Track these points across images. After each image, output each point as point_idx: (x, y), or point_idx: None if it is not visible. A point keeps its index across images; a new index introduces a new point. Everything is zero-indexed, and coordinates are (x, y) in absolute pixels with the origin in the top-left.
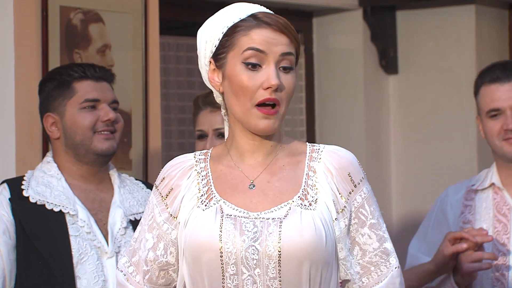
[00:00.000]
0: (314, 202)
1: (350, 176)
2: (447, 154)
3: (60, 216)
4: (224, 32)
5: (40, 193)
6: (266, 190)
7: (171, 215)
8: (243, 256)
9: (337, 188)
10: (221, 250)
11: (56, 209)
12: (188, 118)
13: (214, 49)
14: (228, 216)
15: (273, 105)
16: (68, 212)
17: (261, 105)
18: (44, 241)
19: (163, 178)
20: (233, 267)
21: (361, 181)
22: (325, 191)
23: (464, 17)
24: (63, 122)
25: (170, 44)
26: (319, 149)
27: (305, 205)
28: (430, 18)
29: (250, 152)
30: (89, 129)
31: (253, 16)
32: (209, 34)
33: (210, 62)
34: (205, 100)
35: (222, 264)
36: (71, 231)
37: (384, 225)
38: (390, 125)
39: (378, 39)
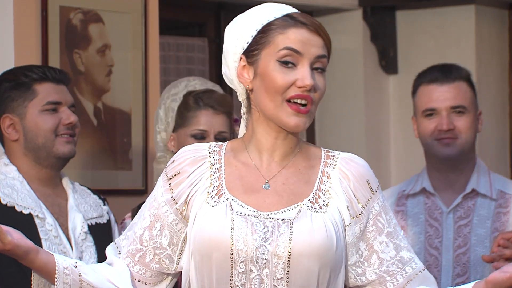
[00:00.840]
0: (325, 206)
1: (368, 183)
2: None
3: (29, 219)
4: (258, 30)
5: (8, 195)
6: (280, 191)
7: (173, 198)
8: (254, 255)
9: (353, 194)
10: (232, 247)
11: (25, 212)
12: None
13: (246, 45)
14: (238, 214)
15: (305, 105)
16: (37, 215)
17: (291, 101)
18: None
19: (173, 161)
20: (242, 265)
21: (377, 189)
22: (338, 196)
23: (464, 17)
24: (24, 124)
25: (170, 44)
26: (334, 155)
27: (315, 208)
28: (430, 18)
29: (270, 150)
30: (51, 132)
31: (289, 15)
32: (241, 31)
33: (241, 58)
34: (208, 100)
35: (231, 261)
36: (41, 234)
37: (402, 233)
38: (390, 125)
39: (378, 39)
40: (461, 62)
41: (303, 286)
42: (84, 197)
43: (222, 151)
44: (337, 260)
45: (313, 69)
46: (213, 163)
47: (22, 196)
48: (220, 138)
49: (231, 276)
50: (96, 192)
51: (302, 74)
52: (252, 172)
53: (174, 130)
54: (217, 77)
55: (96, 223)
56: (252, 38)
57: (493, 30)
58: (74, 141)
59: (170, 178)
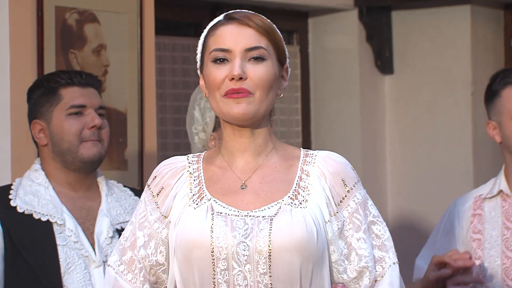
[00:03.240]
0: (305, 201)
1: (343, 182)
2: (442, 154)
3: (47, 226)
4: (203, 40)
5: (27, 203)
6: (257, 190)
7: (162, 214)
8: (234, 251)
9: (330, 192)
10: (212, 245)
11: (43, 219)
12: (184, 118)
13: (199, 61)
14: (219, 214)
15: (242, 93)
16: (56, 222)
17: (229, 94)
18: (31, 251)
19: (155, 176)
20: (224, 262)
21: (354, 186)
22: (317, 193)
23: (459, 17)
24: (50, 128)
25: (166, 44)
26: (313, 154)
27: (295, 204)
28: (425, 18)
29: (240, 151)
30: (76, 136)
31: (225, 15)
32: (198, 45)
33: (199, 71)
34: None
35: (213, 259)
36: (58, 241)
37: (378, 228)
38: (385, 125)
39: (374, 39)
40: (457, 62)
41: (286, 279)
42: (120, 200)
43: (200, 160)
44: (319, 254)
45: (250, 59)
46: (192, 172)
47: (44, 202)
48: None
49: (214, 274)
50: (140, 192)
51: (231, 67)
52: (228, 174)
53: (214, 129)
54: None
55: (125, 226)
56: (200, 52)
57: (488, 30)
58: (102, 146)
59: (155, 196)
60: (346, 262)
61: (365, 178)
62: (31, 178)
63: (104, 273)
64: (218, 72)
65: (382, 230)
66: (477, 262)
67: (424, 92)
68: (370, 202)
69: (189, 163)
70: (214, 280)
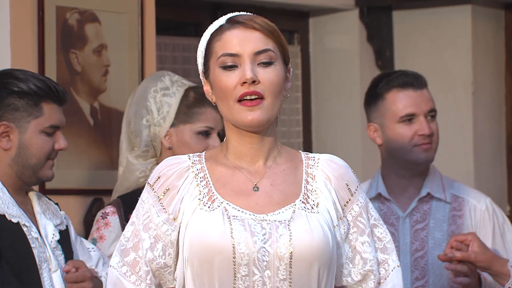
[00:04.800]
0: (316, 206)
1: (347, 185)
2: (442, 153)
3: (19, 228)
4: (205, 46)
5: None
6: (270, 193)
7: (171, 216)
8: (256, 257)
9: (336, 195)
10: (234, 251)
11: (14, 220)
12: None
13: (201, 66)
14: (235, 217)
15: (256, 99)
16: (24, 224)
17: (242, 100)
18: (13, 253)
19: (158, 177)
20: (245, 268)
21: (356, 189)
22: (325, 196)
23: (460, 17)
24: (21, 138)
25: (166, 44)
26: (314, 157)
27: (308, 209)
28: (426, 18)
29: (249, 156)
30: (45, 155)
31: (229, 19)
32: (198, 53)
33: (203, 76)
34: None
35: (234, 265)
36: (30, 242)
37: (380, 231)
38: None
39: (374, 39)
40: (457, 62)
41: (304, 285)
42: (46, 204)
43: (202, 160)
44: (333, 258)
45: (259, 63)
46: (197, 173)
47: (7, 204)
48: (223, 134)
49: (235, 280)
50: (48, 197)
51: (243, 71)
52: (238, 176)
53: (173, 126)
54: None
55: (60, 230)
56: (202, 57)
57: (489, 30)
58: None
59: (161, 198)
60: (350, 265)
61: (365, 177)
62: None
63: (62, 278)
64: (229, 79)
65: (383, 233)
66: None
67: None
68: (370, 205)
69: (192, 163)
70: (234, 286)
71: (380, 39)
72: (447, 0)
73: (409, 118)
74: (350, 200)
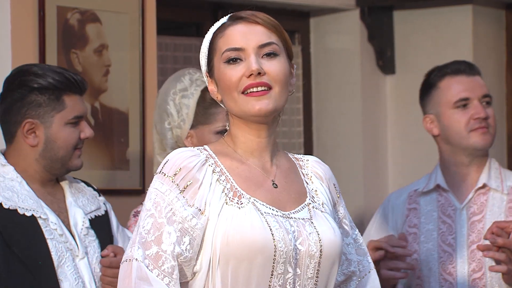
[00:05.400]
0: (321, 205)
1: (335, 187)
2: None
3: (33, 221)
4: (208, 45)
5: (9, 198)
6: (287, 190)
7: (199, 209)
8: (291, 255)
9: (329, 196)
10: (275, 249)
11: (28, 214)
12: None
13: (205, 64)
14: (267, 214)
15: (262, 90)
16: (40, 216)
17: (247, 92)
18: (23, 247)
19: (180, 169)
20: (282, 266)
21: (340, 192)
22: (324, 196)
23: (461, 17)
24: (47, 133)
25: (167, 44)
26: (302, 158)
27: (318, 208)
28: (427, 18)
29: (258, 151)
30: (73, 146)
31: (230, 16)
32: (201, 51)
33: (207, 76)
34: None
35: (273, 263)
36: (46, 235)
37: (357, 231)
38: (387, 125)
39: (375, 39)
40: None
41: (326, 283)
42: (80, 191)
43: (212, 154)
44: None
45: (263, 56)
46: (214, 167)
47: (23, 197)
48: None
49: (271, 277)
50: (89, 184)
51: (248, 64)
52: (255, 172)
53: (193, 127)
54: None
55: (95, 216)
56: (206, 57)
57: (490, 30)
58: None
59: (183, 191)
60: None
61: (366, 177)
62: (1, 174)
63: (90, 265)
64: (234, 72)
65: (358, 235)
66: (414, 256)
67: None
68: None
69: (206, 156)
70: (270, 284)
71: (381, 39)
72: (448, 0)
73: (464, 104)
74: (337, 202)
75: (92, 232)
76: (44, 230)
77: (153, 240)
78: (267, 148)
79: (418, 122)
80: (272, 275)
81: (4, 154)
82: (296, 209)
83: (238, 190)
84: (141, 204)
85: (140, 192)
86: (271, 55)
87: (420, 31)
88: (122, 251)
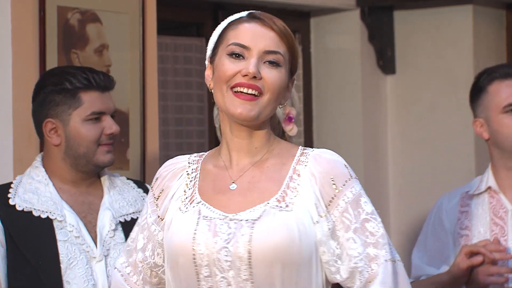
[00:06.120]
0: (292, 204)
1: (332, 181)
2: (444, 154)
3: (47, 222)
4: (219, 33)
5: (27, 200)
6: (245, 191)
7: (158, 216)
8: (215, 258)
9: (320, 192)
10: (194, 252)
11: (43, 216)
12: (186, 118)
13: (210, 50)
14: (205, 218)
15: (251, 94)
16: (56, 218)
17: (238, 91)
18: (31, 248)
19: (156, 178)
20: (206, 269)
21: (344, 185)
22: (307, 193)
23: (461, 17)
24: (66, 131)
25: (168, 44)
26: (307, 153)
27: (281, 207)
28: (427, 18)
29: (235, 151)
30: (94, 142)
31: (250, 13)
32: (212, 36)
33: (209, 60)
34: None
35: (195, 266)
36: (59, 236)
37: (373, 226)
38: (387, 125)
39: (376, 39)
40: (459, 62)
41: (268, 285)
42: (123, 193)
43: (200, 160)
44: (303, 258)
45: (265, 62)
46: (190, 173)
47: (44, 199)
48: None
49: (198, 280)
50: (143, 185)
51: (247, 63)
52: (222, 174)
53: None
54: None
55: (132, 218)
56: (214, 42)
57: (490, 30)
58: (113, 150)
59: (156, 199)
60: (339, 262)
61: (366, 178)
62: (32, 176)
63: (106, 267)
64: (231, 66)
65: (376, 227)
66: None
67: (426, 92)
68: (364, 199)
69: (189, 163)
70: (199, 286)
71: (381, 39)
72: (448, 0)
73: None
74: (335, 195)
75: (121, 235)
76: (57, 232)
77: (134, 248)
78: (246, 149)
79: (418, 122)
80: (198, 278)
81: (43, 156)
82: (248, 210)
83: (195, 194)
84: None
85: None
86: (273, 64)
87: (421, 31)
88: None
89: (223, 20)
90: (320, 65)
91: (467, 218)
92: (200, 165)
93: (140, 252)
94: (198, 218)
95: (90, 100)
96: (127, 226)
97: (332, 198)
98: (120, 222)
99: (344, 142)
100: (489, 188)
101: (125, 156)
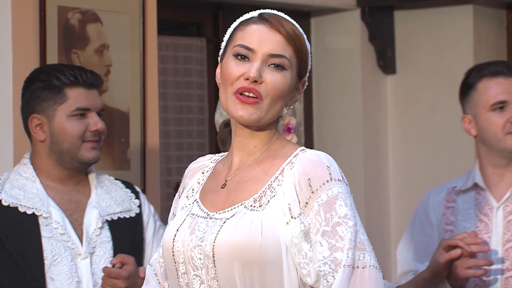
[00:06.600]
0: (266, 203)
1: (309, 182)
2: (445, 154)
3: (32, 219)
4: (230, 34)
5: (13, 196)
6: (231, 190)
7: (173, 213)
8: (189, 256)
9: (297, 193)
10: (173, 249)
11: (29, 212)
12: (186, 118)
13: (224, 45)
14: (192, 215)
15: (253, 97)
16: (41, 215)
17: (240, 94)
18: (15, 244)
19: (183, 176)
20: (182, 266)
21: (321, 186)
22: (284, 194)
23: (462, 17)
24: (51, 126)
25: (168, 44)
26: (298, 157)
27: (254, 207)
28: (428, 18)
29: (236, 150)
30: (78, 138)
31: (260, 14)
32: (226, 34)
33: (220, 58)
34: None
35: (175, 262)
36: (44, 233)
37: (346, 231)
38: (388, 125)
39: (376, 39)
40: (459, 62)
41: (231, 284)
42: (110, 192)
43: (218, 159)
44: (266, 258)
45: (270, 65)
46: (205, 172)
47: (30, 196)
48: None
49: (177, 277)
50: (131, 185)
51: (250, 67)
52: (223, 173)
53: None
54: (215, 77)
55: (119, 217)
56: (225, 41)
57: (491, 30)
58: (99, 147)
59: (180, 196)
60: (310, 265)
61: (367, 178)
62: (19, 172)
63: (91, 265)
64: (236, 69)
65: (345, 231)
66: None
67: (426, 92)
68: (339, 202)
69: (210, 162)
70: (179, 282)
71: (381, 39)
72: (448, 0)
73: (501, 106)
74: (310, 197)
75: (107, 233)
76: (42, 228)
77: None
78: (246, 148)
79: (418, 122)
80: (177, 274)
81: (31, 153)
82: (226, 209)
83: (197, 193)
84: None
85: None
86: (278, 67)
87: (421, 31)
88: (130, 261)
89: (223, 20)
90: (320, 65)
91: (453, 214)
92: (216, 163)
93: (161, 248)
94: (187, 216)
95: (76, 96)
96: (114, 225)
97: (308, 199)
98: (107, 220)
99: (344, 142)
100: (476, 184)
101: (125, 156)
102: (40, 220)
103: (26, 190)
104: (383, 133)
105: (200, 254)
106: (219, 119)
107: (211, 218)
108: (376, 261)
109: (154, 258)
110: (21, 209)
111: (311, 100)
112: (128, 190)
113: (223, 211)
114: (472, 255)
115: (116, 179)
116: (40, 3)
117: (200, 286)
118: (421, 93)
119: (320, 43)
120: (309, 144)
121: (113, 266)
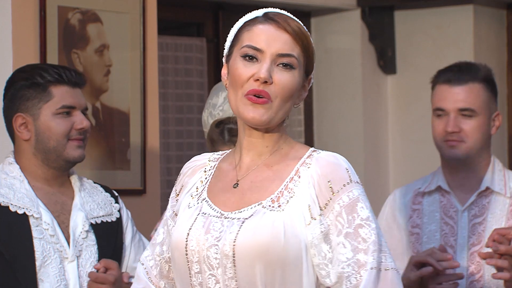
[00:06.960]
0: (285, 204)
1: (329, 184)
2: None
3: (24, 219)
4: (235, 33)
5: (3, 195)
6: (245, 190)
7: (174, 212)
8: (205, 255)
9: (316, 195)
10: (186, 248)
11: (20, 211)
12: (186, 118)
13: (227, 49)
14: (203, 214)
15: (263, 98)
16: (32, 215)
17: (250, 95)
18: (7, 243)
19: (180, 174)
20: (196, 265)
21: (342, 188)
22: (303, 195)
23: (462, 17)
24: (37, 125)
25: (168, 44)
26: (313, 155)
27: (273, 207)
28: (428, 18)
29: (246, 150)
30: (64, 136)
31: (265, 13)
32: (229, 34)
33: (225, 59)
34: None
35: (188, 262)
36: (35, 234)
37: (369, 234)
38: (388, 125)
39: (376, 39)
40: None
41: (251, 284)
42: (93, 195)
43: (220, 158)
44: (288, 259)
45: (278, 64)
46: (207, 170)
47: (19, 195)
48: None
49: (190, 276)
50: (109, 189)
51: (259, 67)
52: (232, 172)
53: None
54: (215, 77)
55: (102, 221)
56: (230, 42)
57: (491, 30)
58: (84, 145)
59: (178, 194)
60: (329, 266)
61: (367, 178)
62: (6, 171)
63: (78, 268)
64: (245, 70)
65: (368, 234)
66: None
67: (426, 92)
68: (361, 204)
69: (209, 161)
70: (191, 282)
71: (382, 39)
72: (449, 0)
73: (439, 114)
74: (331, 199)
75: (92, 237)
76: (33, 229)
77: (154, 241)
78: (257, 148)
79: (419, 122)
80: (190, 274)
81: (14, 154)
82: (242, 209)
83: (203, 192)
84: None
85: (140, 192)
86: (287, 66)
87: (421, 31)
88: (114, 266)
89: (223, 20)
90: (320, 65)
91: (418, 217)
92: (217, 163)
93: (159, 246)
94: (198, 215)
95: (61, 94)
96: (98, 229)
97: (328, 201)
98: (91, 224)
99: (344, 142)
100: (439, 187)
101: (125, 156)
102: (31, 221)
103: (15, 189)
104: (383, 133)
105: (217, 253)
106: (208, 118)
107: (226, 217)
108: (395, 263)
109: (145, 256)
110: (12, 209)
111: (311, 100)
112: (108, 194)
113: (239, 211)
114: (443, 271)
115: (95, 182)
116: (40, 3)
117: (215, 285)
118: (421, 93)
119: (320, 43)
120: (309, 144)
121: (97, 270)
